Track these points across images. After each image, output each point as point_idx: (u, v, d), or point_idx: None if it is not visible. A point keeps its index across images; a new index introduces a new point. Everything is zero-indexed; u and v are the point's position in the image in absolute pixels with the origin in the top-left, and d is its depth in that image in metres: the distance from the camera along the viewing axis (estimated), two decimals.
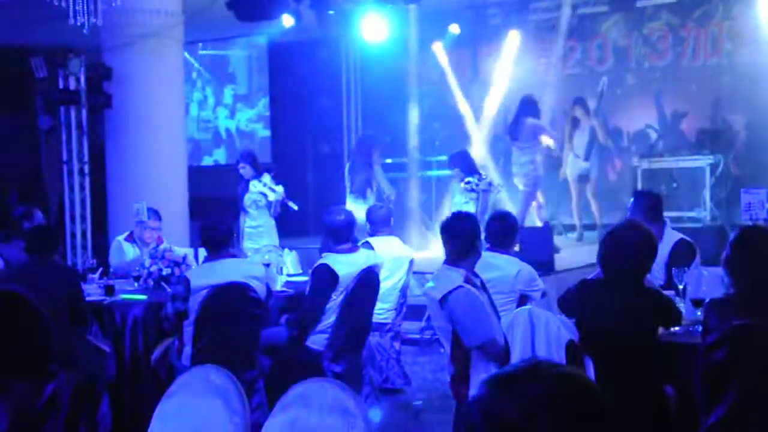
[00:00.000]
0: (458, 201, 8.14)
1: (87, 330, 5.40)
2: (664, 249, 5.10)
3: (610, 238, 3.89)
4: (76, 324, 5.28)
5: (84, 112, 10.34)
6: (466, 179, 8.18)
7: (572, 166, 10.77)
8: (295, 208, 8.15)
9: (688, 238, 5.31)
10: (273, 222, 8.16)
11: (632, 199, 5.58)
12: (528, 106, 9.65)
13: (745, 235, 3.65)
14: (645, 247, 3.83)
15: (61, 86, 10.17)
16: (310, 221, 12.77)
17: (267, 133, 14.29)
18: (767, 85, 10.50)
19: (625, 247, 3.80)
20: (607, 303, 3.78)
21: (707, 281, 4.33)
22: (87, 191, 10.44)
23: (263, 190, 7.96)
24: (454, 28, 11.65)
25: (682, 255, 5.03)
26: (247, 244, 7.91)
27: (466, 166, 8.34)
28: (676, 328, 4.02)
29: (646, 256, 3.83)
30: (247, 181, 8.10)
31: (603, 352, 3.63)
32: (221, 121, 14.76)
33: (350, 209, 8.84)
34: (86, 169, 10.45)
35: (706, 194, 10.21)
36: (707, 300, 3.78)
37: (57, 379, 4.96)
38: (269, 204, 8.01)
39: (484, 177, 8.25)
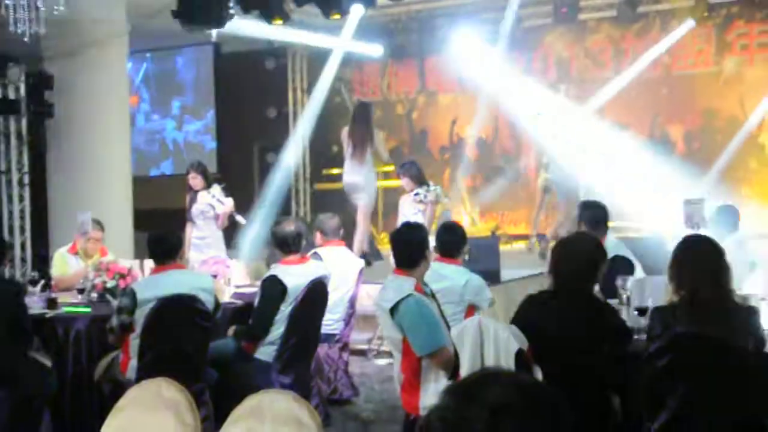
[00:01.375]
0: (407, 212, 8.17)
1: (28, 346, 5.28)
2: None
3: (560, 249, 3.94)
4: (17, 340, 5.16)
5: (24, 122, 10.15)
6: (416, 190, 8.21)
7: (540, 177, 10.87)
8: (244, 222, 8.09)
9: (623, 254, 5.38)
10: (220, 233, 8.09)
11: (579, 210, 5.67)
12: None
13: (687, 244, 3.73)
14: (595, 258, 3.89)
15: (0, 95, 9.97)
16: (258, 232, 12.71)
17: (215, 144, 14.19)
18: (704, 96, 10.79)
19: (575, 257, 3.85)
20: (555, 313, 3.83)
21: (651, 290, 4.41)
22: (27, 202, 10.25)
23: (212, 201, 7.88)
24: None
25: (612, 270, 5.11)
26: (193, 255, 7.82)
27: (415, 176, 8.38)
28: None
29: (596, 267, 3.89)
30: (196, 192, 8.02)
31: (550, 361, 3.67)
32: (168, 133, 14.61)
33: (348, 173, 8.94)
34: (26, 179, 10.26)
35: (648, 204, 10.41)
36: (651, 308, 3.85)
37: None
38: (216, 216, 7.94)
39: (432, 188, 8.29)
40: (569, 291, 3.83)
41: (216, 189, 7.96)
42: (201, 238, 7.97)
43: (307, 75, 13.27)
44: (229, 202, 7.89)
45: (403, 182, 8.43)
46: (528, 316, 3.91)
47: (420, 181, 8.33)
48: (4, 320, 5.01)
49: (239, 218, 7.98)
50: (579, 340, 3.71)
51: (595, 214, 5.53)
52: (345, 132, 9.32)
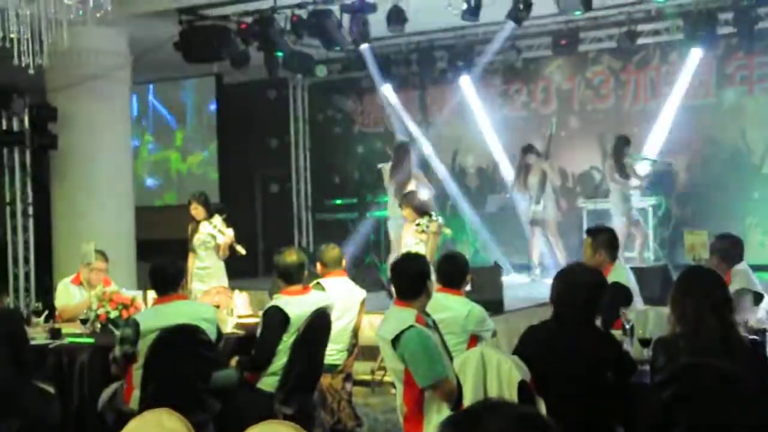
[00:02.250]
0: (409, 242, 8.17)
1: (31, 374, 5.28)
2: None
3: (561, 279, 3.95)
4: (20, 369, 5.16)
5: (28, 153, 10.20)
6: (417, 221, 8.22)
7: (527, 210, 10.86)
8: (243, 253, 8.10)
9: (621, 282, 5.36)
10: (222, 263, 8.11)
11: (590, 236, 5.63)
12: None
13: (688, 276, 3.74)
14: (596, 288, 3.90)
15: (4, 127, 10.03)
16: (259, 262, 12.73)
17: (216, 174, 14.23)
18: (704, 127, 10.84)
19: (577, 288, 3.86)
20: (557, 344, 3.83)
21: (654, 321, 4.41)
22: (31, 233, 10.27)
23: (213, 231, 7.91)
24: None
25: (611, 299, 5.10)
26: (195, 286, 7.83)
27: (417, 207, 8.38)
28: None
29: (598, 297, 3.89)
30: (197, 222, 8.05)
31: (553, 392, 3.66)
32: (172, 164, 14.66)
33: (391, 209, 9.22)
34: (30, 210, 10.30)
35: (650, 235, 10.43)
36: (654, 339, 3.85)
37: (2, 425, 4.85)
38: (217, 246, 7.96)
39: (434, 219, 8.30)
40: (571, 321, 3.83)
41: (217, 219, 7.99)
42: (203, 268, 7.99)
43: (308, 105, 13.35)
44: (229, 233, 7.91)
45: (405, 213, 8.44)
46: (530, 346, 3.92)
47: (422, 211, 8.34)
48: (7, 350, 5.02)
49: (239, 248, 8.00)
50: (581, 371, 3.71)
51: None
52: (386, 169, 9.86)
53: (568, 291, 3.87)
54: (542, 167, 10.47)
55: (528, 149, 10.70)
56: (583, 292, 3.84)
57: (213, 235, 7.95)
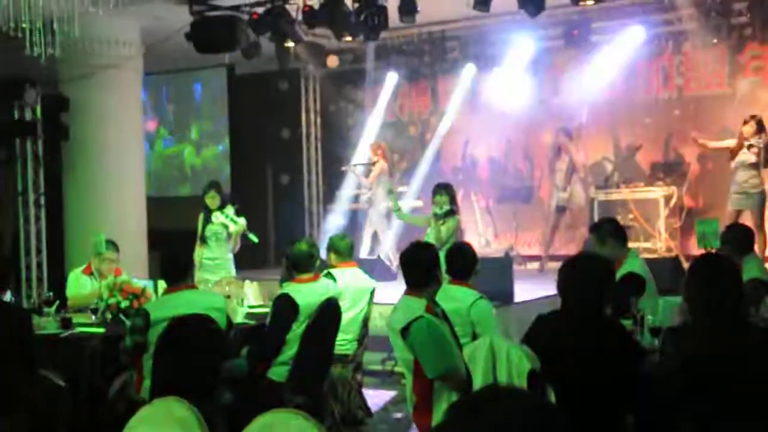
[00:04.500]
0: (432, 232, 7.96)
1: (37, 367, 5.29)
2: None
3: (568, 269, 3.92)
4: (25, 364, 5.16)
5: (40, 143, 10.24)
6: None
7: (553, 196, 10.80)
8: (256, 241, 8.12)
9: (635, 271, 5.34)
10: (231, 255, 8.15)
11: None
12: None
13: (701, 264, 3.70)
14: (604, 277, 3.87)
15: (16, 117, 10.06)
16: (270, 253, 12.75)
17: (228, 165, 14.23)
18: (717, 117, 10.76)
19: (584, 277, 3.84)
20: (566, 334, 3.81)
21: (665, 310, 4.39)
22: (43, 223, 10.31)
23: (225, 221, 7.94)
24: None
25: (624, 288, 5.07)
26: (204, 276, 7.85)
27: (451, 198, 8.18)
28: None
29: (606, 287, 3.87)
30: (209, 212, 8.08)
31: (562, 381, 3.65)
32: (187, 158, 14.67)
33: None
34: (42, 200, 10.33)
35: (661, 225, 10.39)
36: (665, 328, 3.83)
37: (11, 416, 4.87)
38: (229, 236, 7.99)
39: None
40: (579, 311, 3.81)
41: (230, 209, 8.03)
42: (212, 258, 8.02)
43: (320, 96, 13.33)
44: (241, 221, 7.95)
45: (440, 200, 8.13)
46: (539, 336, 3.90)
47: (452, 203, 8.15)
48: (13, 347, 5.00)
49: (251, 236, 8.02)
50: (590, 361, 3.70)
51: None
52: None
53: (575, 281, 3.85)
54: (570, 153, 10.41)
55: (564, 131, 10.63)
56: (590, 282, 3.82)
57: (225, 224, 7.98)
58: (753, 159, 9.10)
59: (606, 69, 11.23)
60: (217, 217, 8.00)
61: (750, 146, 9.13)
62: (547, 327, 3.93)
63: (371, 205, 10.70)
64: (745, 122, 9.24)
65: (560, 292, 3.91)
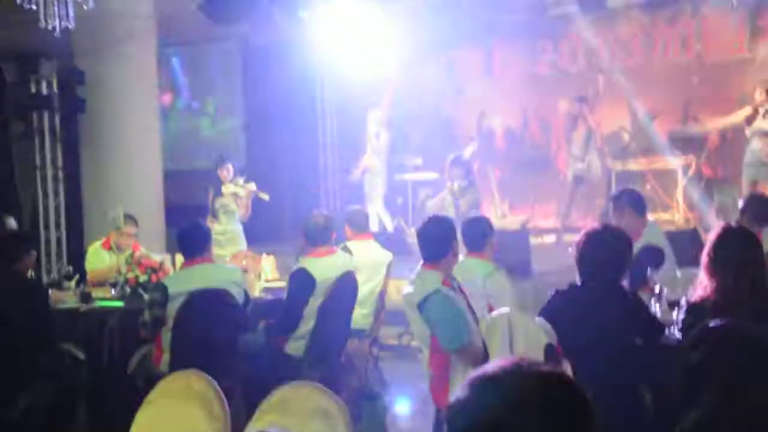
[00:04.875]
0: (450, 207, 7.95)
1: (57, 340, 5.34)
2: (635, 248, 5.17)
3: (586, 241, 3.90)
4: (45, 337, 5.20)
5: (57, 118, 10.25)
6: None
7: (570, 167, 10.73)
8: (266, 198, 8.17)
9: (654, 243, 5.30)
10: (240, 228, 8.21)
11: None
12: None
13: (721, 235, 3.66)
14: (621, 249, 3.85)
15: (33, 91, 10.07)
16: (286, 226, 12.76)
17: (244, 137, 14.22)
18: (736, 84, 10.63)
19: (601, 248, 3.82)
20: (584, 307, 3.80)
21: (683, 282, 4.36)
22: (61, 198, 10.36)
23: (236, 189, 8.02)
24: None
25: (642, 260, 5.04)
26: (214, 251, 7.91)
27: (467, 171, 8.16)
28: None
29: (623, 258, 3.85)
30: (220, 185, 8.13)
31: (579, 355, 3.65)
32: (203, 130, 14.66)
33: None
34: (60, 175, 10.37)
35: (679, 195, 10.31)
36: (683, 301, 3.81)
37: (32, 388, 4.93)
38: (239, 205, 8.08)
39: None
40: (597, 284, 3.80)
41: (239, 180, 8.11)
42: (221, 233, 8.06)
43: (333, 68, 13.23)
44: (251, 186, 8.04)
45: (455, 173, 8.10)
46: (556, 310, 3.89)
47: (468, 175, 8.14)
48: (33, 320, 5.04)
49: (262, 195, 8.09)
50: (608, 334, 3.69)
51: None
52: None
53: (592, 252, 3.82)
54: (588, 123, 10.32)
55: (581, 99, 10.53)
56: (607, 253, 3.80)
57: (236, 192, 8.05)
58: None
59: (623, 35, 11.10)
60: (227, 188, 8.07)
61: (766, 113, 9.02)
62: (564, 300, 3.92)
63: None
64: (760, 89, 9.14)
65: (578, 264, 3.89)
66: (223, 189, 8.14)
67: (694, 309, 3.58)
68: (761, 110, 9.07)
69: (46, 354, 5.12)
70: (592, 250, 3.85)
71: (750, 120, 9.19)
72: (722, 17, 10.53)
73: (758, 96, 9.07)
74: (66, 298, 5.83)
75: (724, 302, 3.47)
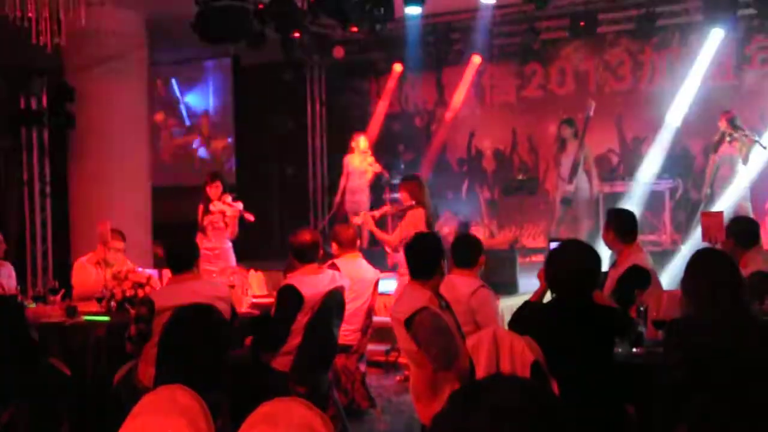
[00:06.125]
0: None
1: (44, 354, 5.31)
2: (621, 270, 5.22)
3: (555, 257, 3.96)
4: (27, 352, 5.17)
5: (46, 133, 10.24)
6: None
7: (558, 188, 10.79)
8: (252, 219, 8.17)
9: (640, 264, 5.33)
10: (230, 245, 8.20)
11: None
12: None
13: (699, 257, 3.72)
14: (588, 264, 3.90)
15: (22, 106, 10.07)
16: (275, 243, 12.76)
17: (233, 156, 14.22)
18: (725, 109, 10.74)
19: (571, 264, 3.87)
20: (555, 324, 3.85)
21: (668, 303, 4.39)
22: (48, 212, 10.33)
23: (223, 207, 8.02)
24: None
25: (629, 281, 5.08)
26: (203, 266, 7.89)
27: (411, 193, 8.17)
28: (637, 350, 4.10)
29: (591, 273, 3.90)
30: (208, 202, 8.14)
31: (560, 372, 3.67)
32: (196, 149, 14.65)
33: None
34: (48, 189, 10.35)
35: (666, 218, 10.37)
36: (668, 321, 3.83)
37: (14, 405, 4.90)
38: (226, 224, 8.06)
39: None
40: (567, 299, 3.85)
41: (228, 197, 8.12)
42: (210, 249, 8.05)
43: (325, 87, 13.32)
44: (238, 205, 8.04)
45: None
46: (527, 324, 3.95)
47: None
48: (9, 335, 5.01)
49: (247, 215, 8.09)
50: (584, 345, 3.73)
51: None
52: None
53: (562, 268, 3.89)
54: (576, 146, 10.38)
55: (567, 122, 10.59)
56: (578, 268, 3.85)
57: (223, 211, 8.04)
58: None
59: (612, 60, 11.20)
60: (216, 206, 8.07)
61: (732, 140, 9.29)
62: (536, 316, 3.97)
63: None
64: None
65: (548, 281, 3.96)
66: (211, 206, 8.14)
67: (676, 328, 3.60)
68: (727, 138, 9.27)
69: (29, 369, 5.09)
70: (562, 266, 3.90)
71: (716, 147, 9.40)
72: (710, 45, 10.64)
73: (722, 125, 9.32)
74: (51, 313, 5.80)
75: (705, 322, 3.50)
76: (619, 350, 4.02)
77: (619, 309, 4.14)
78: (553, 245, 4.95)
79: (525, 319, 4.01)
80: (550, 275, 3.94)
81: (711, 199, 9.67)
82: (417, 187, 7.57)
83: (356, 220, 8.60)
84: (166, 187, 12.86)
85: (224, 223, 8.12)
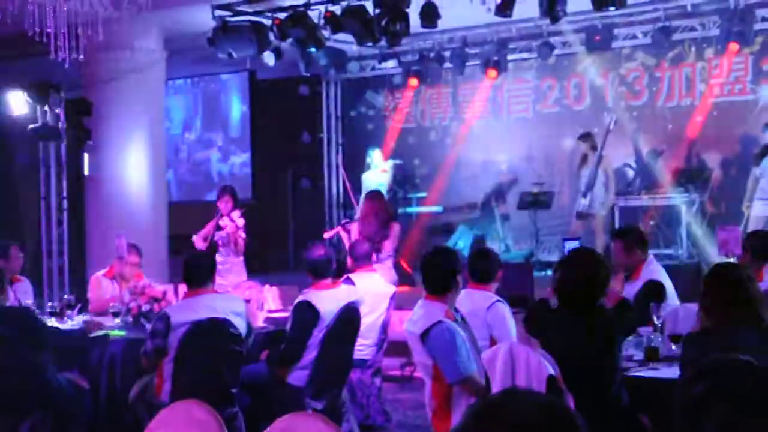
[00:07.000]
0: None
1: (59, 369, 5.32)
2: (637, 285, 5.20)
3: (562, 266, 3.98)
4: (45, 361, 5.18)
5: (63, 147, 10.31)
6: None
7: (575, 202, 10.76)
8: (241, 242, 8.21)
9: (657, 279, 5.31)
10: (241, 259, 8.21)
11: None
12: None
13: (716, 272, 3.72)
14: (595, 272, 3.91)
15: (40, 122, 10.14)
16: (290, 258, 12.79)
17: (249, 170, 14.27)
18: (739, 124, 10.70)
19: (579, 272, 3.89)
20: (564, 333, 3.87)
21: (684, 317, 4.37)
22: (65, 227, 10.38)
23: (226, 223, 8.06)
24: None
25: (645, 296, 5.06)
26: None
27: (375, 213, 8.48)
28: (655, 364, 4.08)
29: (598, 280, 3.92)
30: (220, 218, 8.17)
31: (572, 381, 3.69)
32: (213, 165, 14.72)
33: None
34: (65, 204, 10.41)
35: (683, 232, 10.31)
36: (685, 334, 3.82)
37: (33, 417, 4.91)
38: (226, 238, 8.08)
39: None
40: (576, 308, 3.88)
41: (235, 213, 8.13)
42: (221, 263, 8.07)
43: (341, 101, 13.36)
44: (239, 222, 8.05)
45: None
46: (540, 332, 3.98)
47: None
48: (29, 347, 5.01)
49: (237, 236, 8.12)
50: (590, 359, 3.75)
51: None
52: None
53: (569, 277, 3.92)
54: (594, 160, 10.36)
55: (584, 137, 10.59)
56: (586, 276, 3.88)
57: (227, 226, 8.08)
58: None
59: (627, 74, 11.17)
60: (223, 221, 8.10)
61: None
62: (547, 321, 4.00)
63: None
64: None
65: (555, 289, 3.98)
66: (220, 222, 8.18)
67: (693, 342, 3.59)
68: None
69: (46, 383, 5.10)
70: (570, 274, 3.92)
71: (758, 160, 9.30)
72: (725, 59, 10.61)
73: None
74: (68, 327, 5.83)
75: (722, 336, 3.49)
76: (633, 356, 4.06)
77: (624, 302, 4.17)
78: (567, 244, 4.98)
79: (539, 320, 4.04)
80: (555, 282, 3.97)
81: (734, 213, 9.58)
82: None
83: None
84: (183, 201, 12.94)
85: (227, 234, 8.14)
